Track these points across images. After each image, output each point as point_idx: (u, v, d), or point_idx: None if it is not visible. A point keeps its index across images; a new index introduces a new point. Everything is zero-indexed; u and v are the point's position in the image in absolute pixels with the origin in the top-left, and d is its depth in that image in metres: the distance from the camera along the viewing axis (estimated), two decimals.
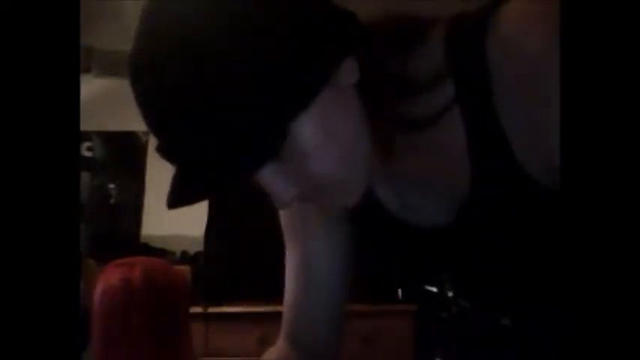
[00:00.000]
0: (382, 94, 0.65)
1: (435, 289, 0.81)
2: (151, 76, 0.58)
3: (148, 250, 3.00)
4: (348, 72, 0.61)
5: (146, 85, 0.58)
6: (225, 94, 0.55)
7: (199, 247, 3.08)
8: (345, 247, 0.85)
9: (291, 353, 0.87)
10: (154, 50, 0.57)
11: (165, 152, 0.60)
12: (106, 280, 1.42)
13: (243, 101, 0.55)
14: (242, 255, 2.91)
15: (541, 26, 0.59)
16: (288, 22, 0.57)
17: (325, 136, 0.60)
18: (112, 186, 3.33)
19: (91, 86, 3.21)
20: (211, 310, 2.59)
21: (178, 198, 0.60)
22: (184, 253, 3.12)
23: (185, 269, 2.68)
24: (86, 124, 3.07)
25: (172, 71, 0.56)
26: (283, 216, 0.88)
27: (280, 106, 0.56)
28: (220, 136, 0.56)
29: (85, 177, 3.28)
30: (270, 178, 0.61)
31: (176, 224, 3.18)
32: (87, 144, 3.32)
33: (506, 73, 0.61)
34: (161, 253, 2.99)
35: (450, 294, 0.79)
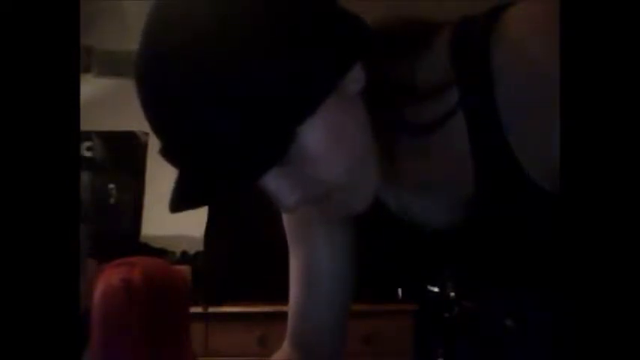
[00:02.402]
0: (388, 100, 0.65)
1: (436, 290, 0.81)
2: (155, 78, 0.57)
3: (148, 250, 2.99)
4: (355, 78, 0.61)
5: (150, 87, 0.58)
6: (231, 98, 0.55)
7: (199, 247, 3.07)
8: (348, 249, 0.85)
9: (295, 355, 0.87)
10: (159, 52, 0.57)
11: (169, 155, 0.60)
12: (106, 280, 1.42)
13: (250, 105, 0.55)
14: (242, 255, 2.91)
15: (546, 31, 0.59)
16: (297, 26, 0.57)
17: (331, 141, 0.60)
18: (111, 186, 3.32)
19: (91, 86, 3.21)
20: (211, 310, 2.59)
21: (181, 202, 0.60)
22: (184, 253, 3.12)
23: (185, 269, 2.68)
24: (86, 124, 3.06)
25: (177, 74, 0.56)
26: (286, 218, 0.88)
27: (287, 110, 0.56)
28: (226, 140, 0.56)
29: (85, 177, 3.27)
30: (275, 182, 0.61)
31: (176, 224, 3.17)
32: (87, 144, 3.31)
33: (510, 77, 0.61)
34: (161, 253, 2.99)
35: (452, 294, 0.79)
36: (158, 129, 0.59)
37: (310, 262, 0.86)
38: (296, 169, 0.60)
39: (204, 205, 0.59)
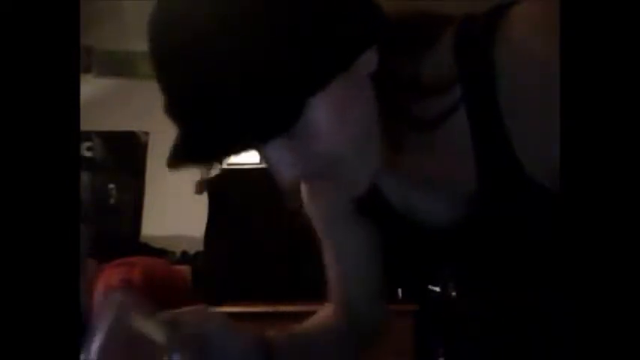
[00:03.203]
0: (394, 93, 0.65)
1: (437, 289, 0.81)
2: (168, 37, 0.58)
3: (148, 250, 3.00)
4: (368, 62, 0.62)
5: (164, 45, 0.58)
6: (246, 63, 0.55)
7: (199, 247, 3.08)
8: (371, 239, 0.87)
9: (339, 312, 0.91)
10: (174, 13, 0.58)
11: (176, 112, 0.60)
12: (106, 281, 1.42)
13: (264, 71, 0.56)
14: (242, 255, 2.91)
15: (548, 30, 0.59)
16: (318, 5, 0.57)
17: (339, 119, 0.61)
18: (111, 186, 3.33)
19: (91, 86, 3.21)
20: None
21: (180, 159, 0.60)
22: (184, 253, 3.12)
23: (185, 269, 2.68)
24: (86, 124, 3.07)
25: (193, 36, 0.56)
26: (310, 212, 0.90)
27: (298, 81, 0.56)
28: (236, 102, 0.56)
29: (85, 177, 3.28)
30: (277, 154, 0.61)
31: (176, 224, 3.18)
32: (87, 144, 3.32)
33: (513, 76, 0.61)
34: (161, 253, 2.99)
35: (453, 294, 0.79)
36: (167, 85, 0.59)
37: (337, 254, 0.90)
38: (300, 142, 0.60)
39: (203, 163, 0.60)
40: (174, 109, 0.59)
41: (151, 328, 0.68)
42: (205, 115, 0.57)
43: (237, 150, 0.60)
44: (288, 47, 0.56)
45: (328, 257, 0.92)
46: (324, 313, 0.92)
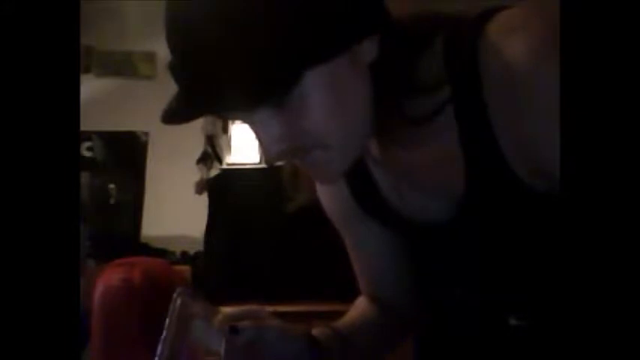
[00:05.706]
0: (388, 88, 0.66)
1: (440, 289, 0.81)
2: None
3: (148, 250, 3.00)
4: (368, 50, 0.63)
5: (173, 7, 0.60)
6: (252, 27, 0.56)
7: (199, 247, 3.07)
8: (389, 236, 0.88)
9: (371, 306, 0.93)
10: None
11: (178, 70, 0.61)
12: (106, 280, 1.42)
13: (261, 35, 0.57)
14: (242, 255, 2.91)
15: (526, 29, 0.61)
16: None
17: (333, 101, 0.62)
18: (112, 186, 3.32)
19: (91, 86, 3.21)
20: None
21: (175, 115, 0.62)
22: (184, 253, 3.12)
23: (185, 269, 2.67)
24: (86, 124, 3.06)
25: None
26: (327, 212, 0.91)
27: (294, 49, 0.57)
28: (232, 63, 0.57)
29: (85, 177, 3.28)
30: (267, 125, 0.62)
31: (176, 224, 3.17)
32: (87, 144, 3.32)
33: (492, 74, 0.62)
34: (161, 253, 2.99)
35: (454, 294, 0.80)
36: (174, 43, 0.60)
37: (357, 249, 0.92)
38: (291, 116, 0.61)
39: (196, 118, 0.62)
40: (177, 65, 0.61)
41: (211, 336, 0.69)
42: (203, 74, 0.58)
43: (229, 108, 0.61)
44: (289, 16, 0.57)
45: (350, 254, 0.94)
46: (360, 306, 0.94)
